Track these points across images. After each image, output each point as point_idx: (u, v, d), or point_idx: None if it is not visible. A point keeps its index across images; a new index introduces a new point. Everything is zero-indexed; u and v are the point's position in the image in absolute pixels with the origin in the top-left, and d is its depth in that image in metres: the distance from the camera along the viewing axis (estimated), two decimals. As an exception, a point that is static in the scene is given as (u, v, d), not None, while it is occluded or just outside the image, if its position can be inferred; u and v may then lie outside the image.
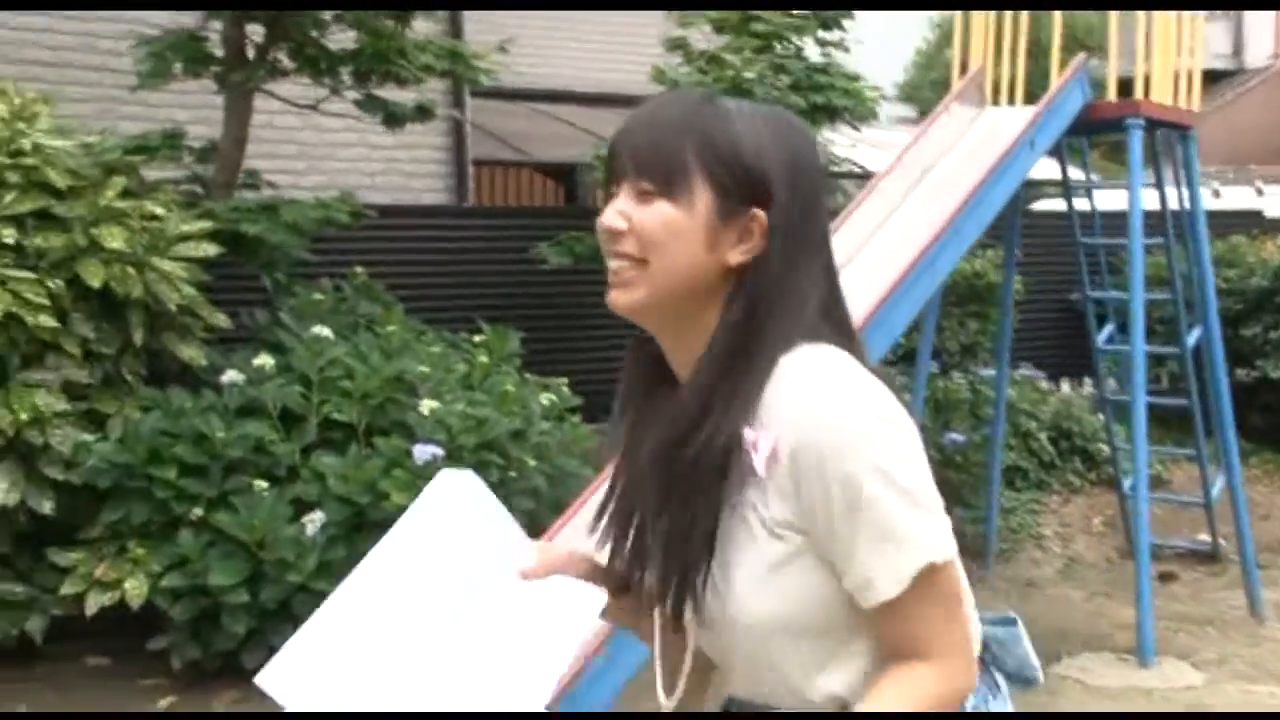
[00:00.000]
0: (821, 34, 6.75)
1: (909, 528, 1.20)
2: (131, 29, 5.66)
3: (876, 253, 4.65)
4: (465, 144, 8.05)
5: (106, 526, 4.52)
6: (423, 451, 4.33)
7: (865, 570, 1.21)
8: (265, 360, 4.59)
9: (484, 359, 5.34)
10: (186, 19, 5.48)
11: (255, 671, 1.64)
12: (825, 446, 1.19)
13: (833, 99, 6.33)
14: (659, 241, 1.24)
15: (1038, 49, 5.81)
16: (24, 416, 4.18)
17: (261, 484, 4.42)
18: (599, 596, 1.33)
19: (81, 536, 4.54)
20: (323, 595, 4.38)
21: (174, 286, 4.50)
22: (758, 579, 1.24)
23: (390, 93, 5.54)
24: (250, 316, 5.07)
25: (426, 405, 4.46)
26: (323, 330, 4.76)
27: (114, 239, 4.28)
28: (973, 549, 6.12)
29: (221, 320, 4.79)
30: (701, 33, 6.97)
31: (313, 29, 5.02)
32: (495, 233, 7.16)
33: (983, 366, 7.55)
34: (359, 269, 5.88)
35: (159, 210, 4.69)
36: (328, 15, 5.07)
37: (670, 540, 1.27)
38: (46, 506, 4.41)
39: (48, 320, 4.19)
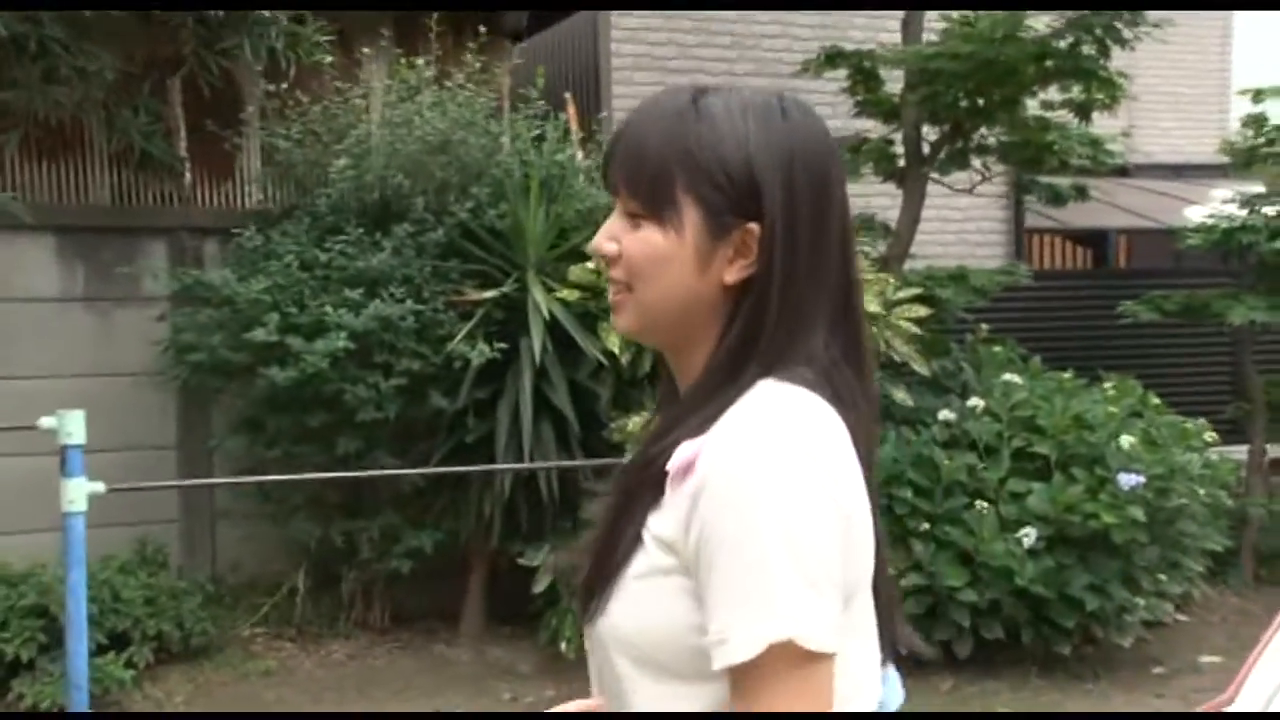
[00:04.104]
0: None
1: (785, 597, 1.04)
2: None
3: None
4: (1022, 214, 8.93)
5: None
6: (1127, 479, 5.17)
7: (724, 625, 1.06)
8: (976, 402, 5.60)
9: (1116, 403, 6.13)
10: (860, 125, 6.69)
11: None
12: (729, 492, 1.06)
13: None
14: (645, 272, 1.17)
15: None
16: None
17: (982, 504, 5.40)
18: None
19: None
20: (1037, 599, 5.63)
21: (903, 342, 5.60)
22: (622, 584, 1.15)
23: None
24: (940, 366, 6.11)
25: (1125, 439, 5.29)
26: (1013, 378, 5.72)
27: (870, 303, 5.43)
28: None
29: (924, 369, 5.84)
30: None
31: (985, 126, 6.08)
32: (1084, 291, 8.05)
33: None
34: (983, 325, 6.84)
35: (868, 277, 5.83)
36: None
37: (601, 545, 1.18)
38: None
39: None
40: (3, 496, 5.62)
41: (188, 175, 6.26)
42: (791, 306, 1.15)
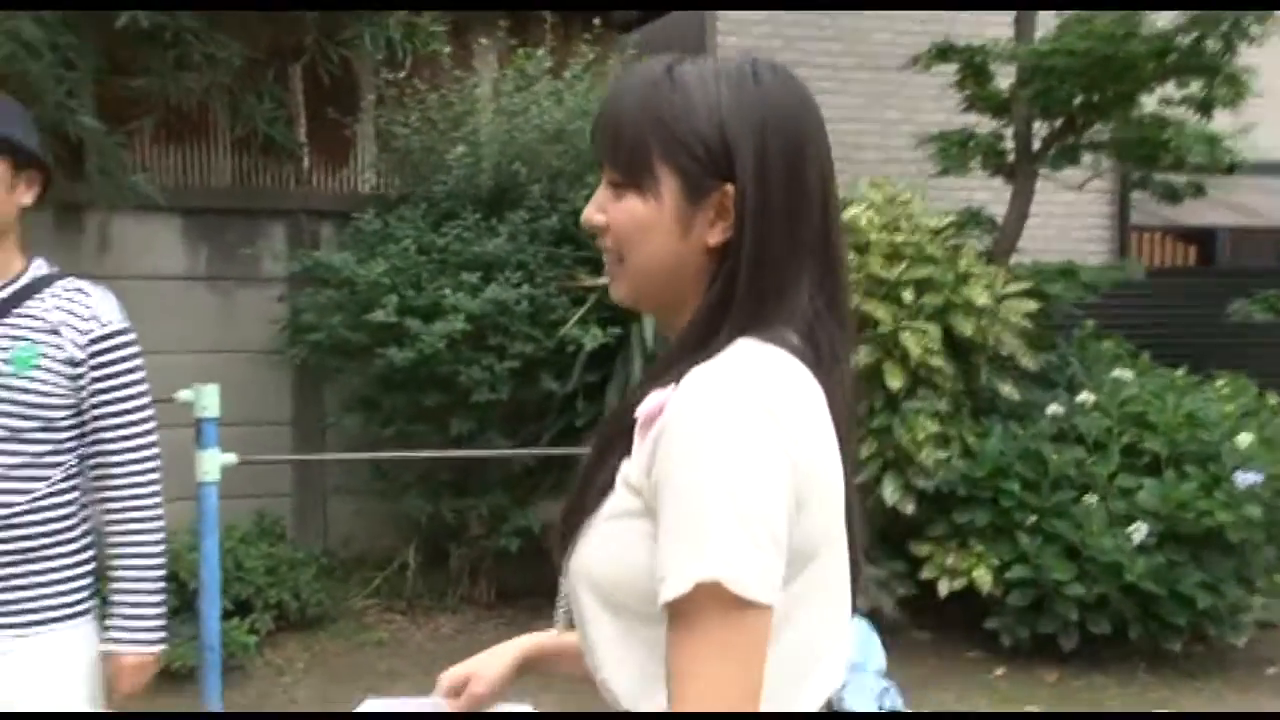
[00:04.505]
0: None
1: (717, 539, 1.05)
2: (916, 130, 6.96)
3: None
4: (1128, 211, 8.83)
5: (951, 526, 5.64)
6: (1244, 477, 5.11)
7: (663, 562, 1.08)
8: (1087, 397, 5.57)
9: (1231, 402, 6.05)
10: (966, 120, 6.67)
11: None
12: (682, 437, 1.08)
13: None
14: (632, 240, 1.21)
15: None
16: (917, 436, 5.38)
17: (1091, 498, 5.37)
18: None
19: (929, 534, 5.70)
20: (1146, 595, 5.53)
21: (1012, 336, 5.59)
22: (594, 525, 1.19)
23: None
24: (1045, 360, 6.08)
25: (1244, 438, 5.23)
26: (1124, 373, 5.68)
27: (980, 296, 5.43)
28: None
29: (1030, 364, 5.82)
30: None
31: (1098, 122, 6.03)
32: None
33: None
34: (1089, 321, 6.78)
35: (976, 270, 5.81)
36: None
37: (579, 489, 1.23)
38: (909, 509, 5.59)
39: (936, 361, 5.39)
40: (132, 467, 5.84)
41: (306, 160, 6.44)
42: (767, 266, 1.17)
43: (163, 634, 2.38)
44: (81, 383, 2.29)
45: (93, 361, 2.29)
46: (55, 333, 2.27)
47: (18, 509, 2.24)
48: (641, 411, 1.15)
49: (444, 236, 5.67)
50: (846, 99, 8.34)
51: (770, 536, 1.07)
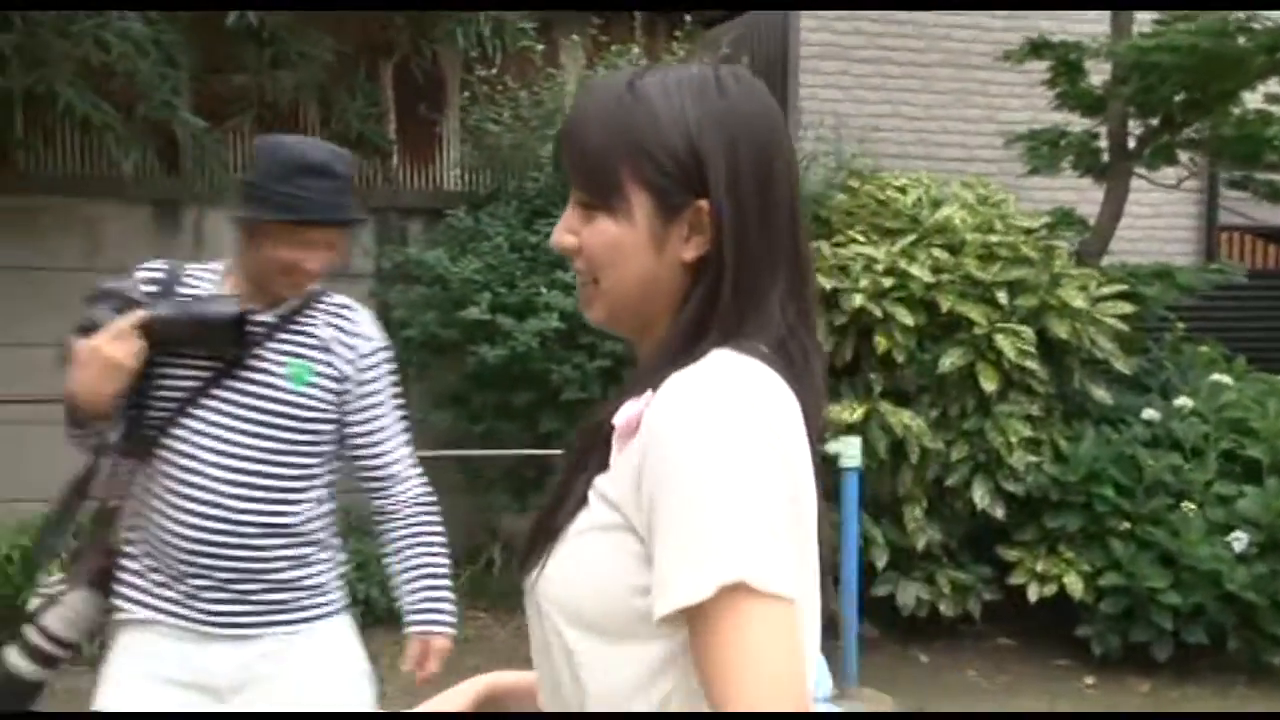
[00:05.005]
0: None
1: (736, 538, 1.01)
2: (999, 129, 6.87)
3: None
4: (1216, 212, 8.67)
5: (1041, 531, 5.57)
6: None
7: (668, 572, 1.03)
8: (1184, 402, 5.48)
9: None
10: (1053, 118, 6.58)
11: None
12: (677, 442, 1.05)
13: None
14: (605, 262, 1.17)
15: None
16: (1009, 439, 5.32)
17: (1190, 505, 5.28)
18: None
19: (1018, 539, 5.63)
20: (1246, 605, 5.39)
21: (1106, 339, 5.50)
22: (563, 540, 1.13)
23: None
24: (1138, 364, 5.99)
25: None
26: (1221, 378, 5.58)
27: (1075, 298, 5.35)
28: None
29: (1124, 367, 5.73)
30: None
31: (1198, 120, 5.93)
32: None
33: None
34: (1179, 324, 6.66)
35: (1071, 272, 5.73)
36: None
37: (549, 505, 1.18)
38: (999, 513, 5.53)
39: (1030, 363, 5.32)
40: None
41: (395, 157, 6.49)
42: (746, 279, 1.14)
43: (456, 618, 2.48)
44: (346, 397, 2.35)
45: (360, 377, 2.36)
46: (327, 349, 2.34)
47: (297, 518, 2.32)
48: (619, 421, 1.11)
49: (536, 234, 5.68)
50: (929, 96, 8.28)
51: (780, 530, 1.04)
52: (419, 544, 2.44)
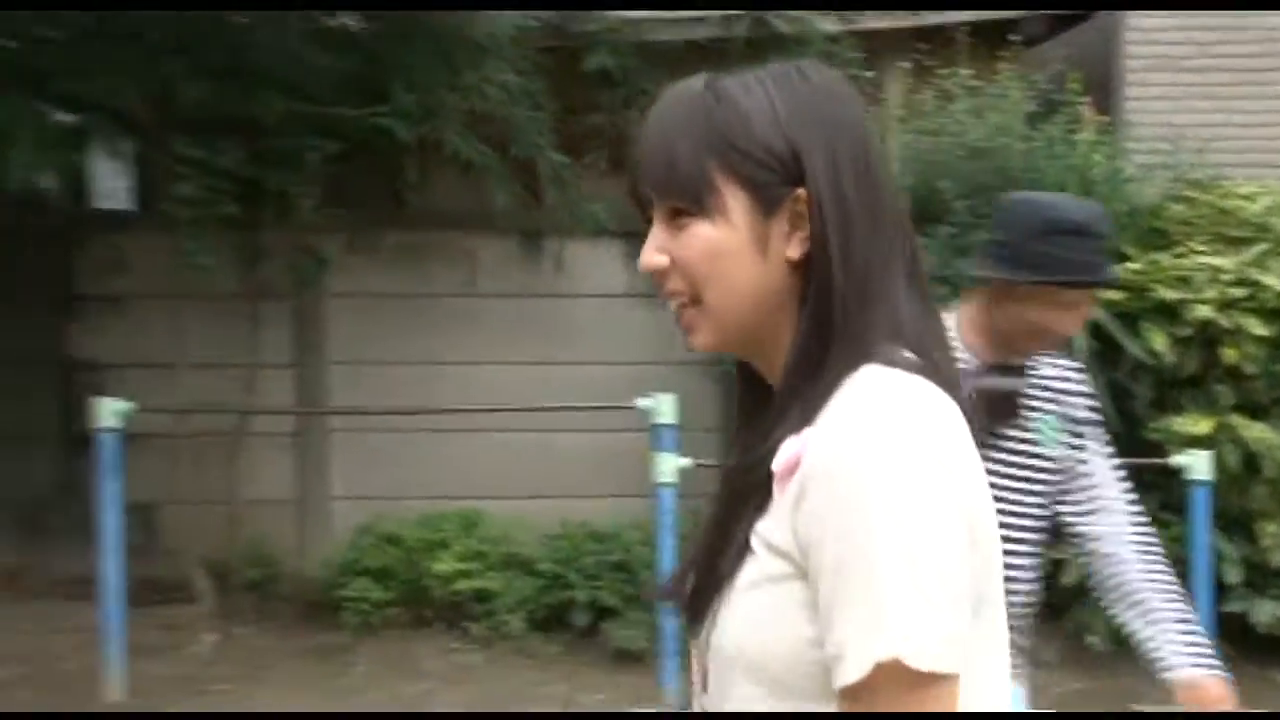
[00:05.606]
0: None
1: (894, 610, 0.95)
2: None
3: None
4: None
5: None
6: None
7: (840, 639, 0.97)
8: None
9: None
10: None
11: None
12: (836, 489, 0.98)
13: None
14: (707, 272, 1.09)
15: None
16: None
17: None
18: None
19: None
20: None
21: None
22: (732, 595, 1.07)
23: None
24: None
25: None
26: None
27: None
28: None
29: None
30: None
31: None
32: None
33: None
34: None
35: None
36: None
37: (707, 552, 1.12)
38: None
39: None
40: (589, 465, 6.48)
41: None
42: (858, 269, 1.07)
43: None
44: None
45: (1086, 429, 2.42)
46: (1058, 402, 2.39)
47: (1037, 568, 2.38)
48: (779, 464, 1.04)
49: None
50: (1264, 103, 7.97)
51: (950, 596, 0.97)
52: (1167, 586, 2.46)
